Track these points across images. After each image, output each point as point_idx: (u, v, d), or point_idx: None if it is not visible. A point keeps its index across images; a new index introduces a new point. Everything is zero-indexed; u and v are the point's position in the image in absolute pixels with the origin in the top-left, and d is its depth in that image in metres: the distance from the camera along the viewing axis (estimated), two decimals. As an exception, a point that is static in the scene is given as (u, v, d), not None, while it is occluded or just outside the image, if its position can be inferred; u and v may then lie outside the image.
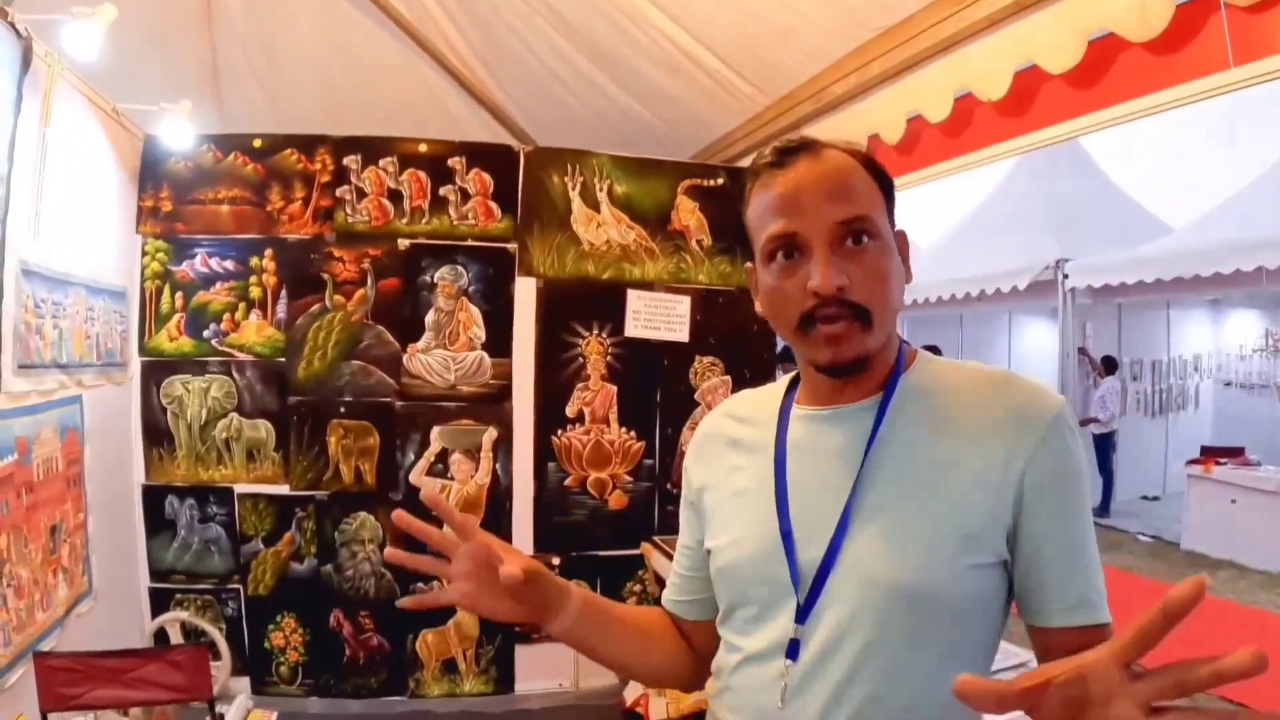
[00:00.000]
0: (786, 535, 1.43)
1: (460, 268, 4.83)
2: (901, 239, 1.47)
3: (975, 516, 1.34)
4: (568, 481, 4.98)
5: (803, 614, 1.40)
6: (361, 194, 4.77)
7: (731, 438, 1.64)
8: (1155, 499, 12.72)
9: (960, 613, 1.35)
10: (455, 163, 4.84)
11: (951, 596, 1.34)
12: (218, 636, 4.56)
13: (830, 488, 1.42)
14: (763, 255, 1.43)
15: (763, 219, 1.41)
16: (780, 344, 5.42)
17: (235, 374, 4.70)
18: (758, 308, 1.51)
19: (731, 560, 1.53)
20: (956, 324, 14.77)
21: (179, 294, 4.67)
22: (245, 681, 4.78)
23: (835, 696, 1.36)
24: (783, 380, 1.64)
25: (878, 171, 1.45)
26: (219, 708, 3.37)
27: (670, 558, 4.35)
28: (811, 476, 1.46)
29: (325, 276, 4.73)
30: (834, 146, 1.44)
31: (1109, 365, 12.22)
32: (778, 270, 1.40)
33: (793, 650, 1.40)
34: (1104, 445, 11.86)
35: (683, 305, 5.04)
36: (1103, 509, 11.70)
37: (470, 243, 4.86)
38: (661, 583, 4.78)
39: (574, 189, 4.93)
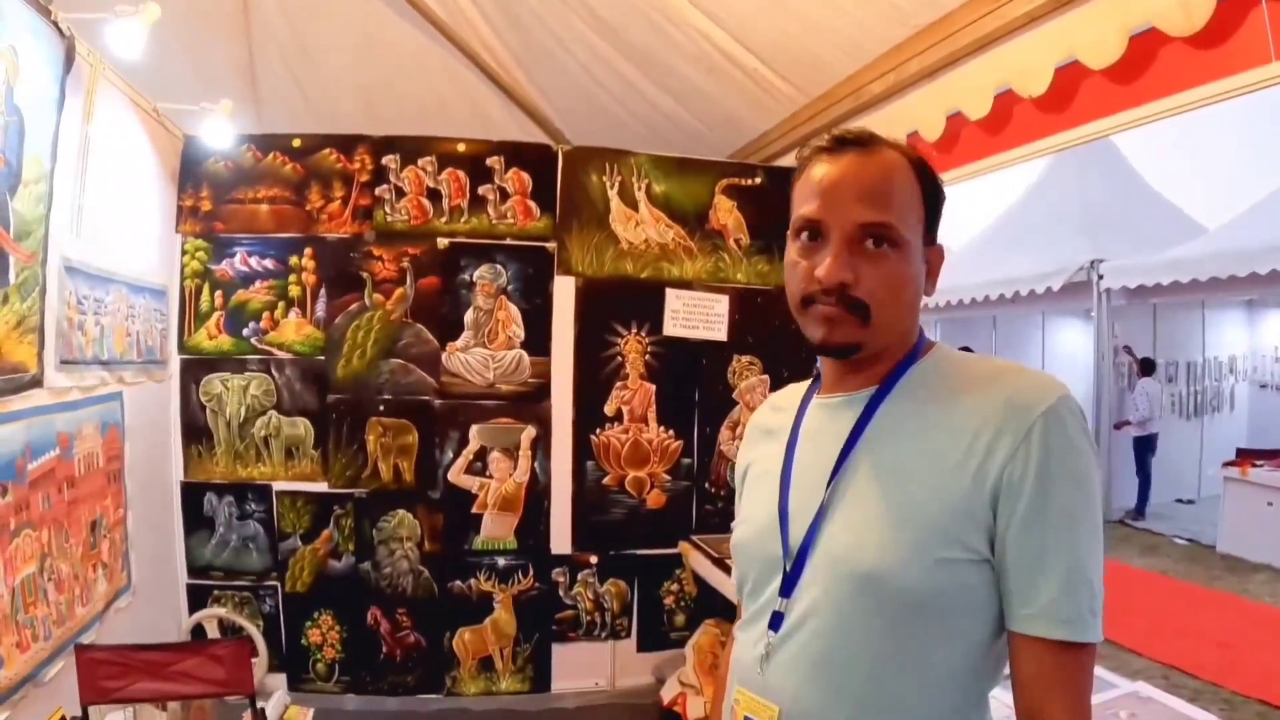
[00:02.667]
0: (783, 513, 1.52)
1: (499, 266, 4.84)
2: (935, 255, 1.53)
3: (950, 509, 1.34)
4: (606, 480, 4.97)
5: (787, 588, 1.46)
6: (400, 193, 4.78)
7: (766, 427, 1.74)
8: (1190, 502, 12.59)
9: (929, 607, 1.34)
10: (494, 162, 4.85)
11: (915, 589, 1.33)
12: (255, 633, 4.58)
13: (820, 470, 1.49)
14: (792, 231, 1.51)
15: (800, 197, 1.49)
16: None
17: (274, 372, 4.72)
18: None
19: (740, 536, 1.65)
20: (990, 326, 14.69)
21: (218, 292, 4.69)
22: (282, 678, 4.81)
23: (805, 672, 1.41)
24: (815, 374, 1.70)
25: (928, 180, 1.49)
26: (256, 704, 3.38)
27: (709, 558, 4.39)
28: (810, 459, 1.55)
29: (364, 275, 4.75)
30: (893, 147, 1.48)
31: (1145, 367, 12.13)
32: (799, 248, 1.48)
33: (775, 621, 1.47)
34: (1141, 447, 11.77)
35: (721, 304, 5.03)
36: (1138, 511, 11.62)
37: (509, 242, 4.87)
38: (699, 582, 4.79)
39: (612, 188, 4.93)
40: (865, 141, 1.47)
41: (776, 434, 1.66)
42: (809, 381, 1.70)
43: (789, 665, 1.43)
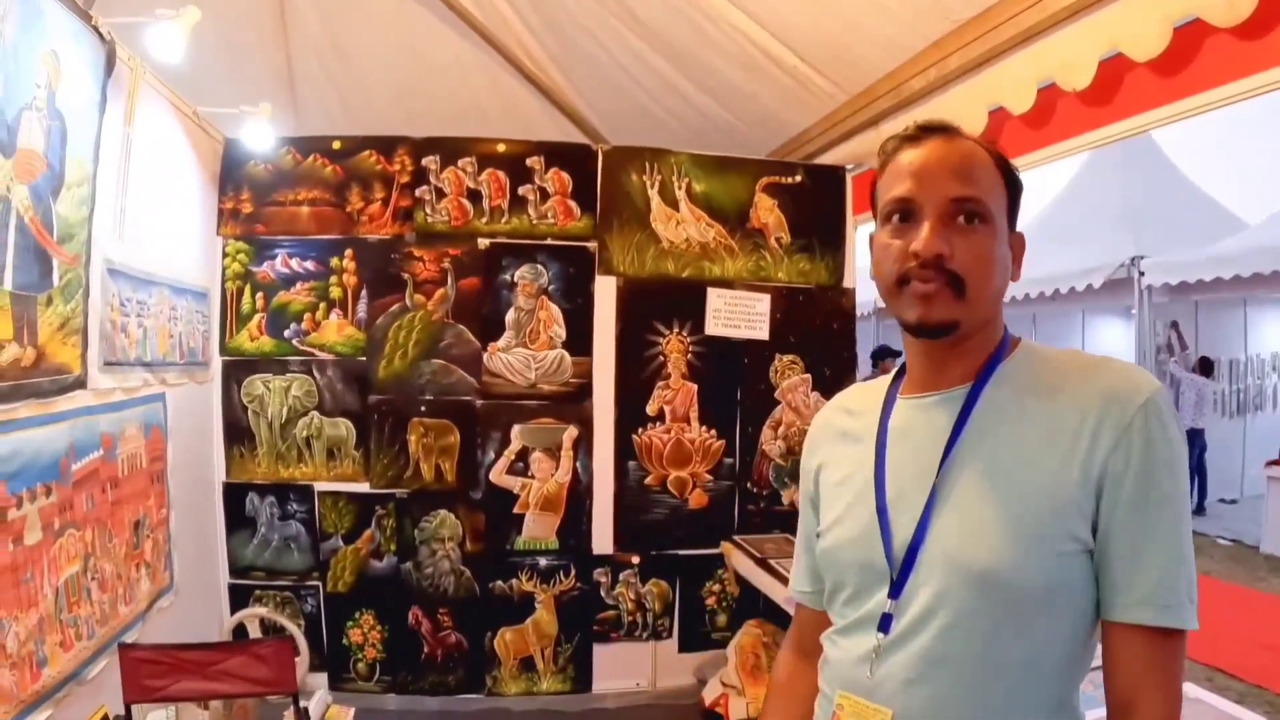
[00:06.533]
0: (882, 514, 1.52)
1: (540, 266, 4.83)
2: (1018, 241, 1.56)
3: (1059, 504, 1.36)
4: (648, 480, 4.95)
5: (896, 589, 1.47)
6: (441, 194, 4.78)
7: (840, 429, 1.73)
8: (1233, 502, 12.44)
9: (1045, 601, 1.36)
10: (534, 162, 4.85)
11: (1033, 584, 1.35)
12: (296, 632, 4.58)
13: (922, 470, 1.49)
14: (882, 216, 1.54)
15: (889, 184, 1.52)
16: (875, 343, 5.35)
17: (316, 373, 4.74)
18: (870, 273, 1.59)
19: (833, 542, 1.63)
20: (1030, 324, 14.57)
21: (260, 294, 4.72)
22: (323, 678, 4.82)
23: (919, 673, 1.41)
24: (892, 374, 1.71)
25: (1008, 171, 1.53)
26: (299, 703, 3.38)
27: (752, 558, 4.36)
28: (907, 459, 1.54)
29: (405, 276, 4.75)
30: (970, 138, 1.53)
31: (1204, 366, 12.05)
32: (891, 230, 1.51)
33: (885, 624, 1.47)
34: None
35: (762, 303, 5.00)
36: (1196, 509, 11.53)
37: (550, 242, 4.86)
38: (742, 583, 4.77)
39: (653, 187, 4.91)
40: (948, 129, 1.53)
41: (856, 436, 1.66)
42: (883, 383, 1.70)
43: (901, 667, 1.43)
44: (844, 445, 1.70)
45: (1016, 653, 1.36)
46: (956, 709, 1.38)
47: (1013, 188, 1.53)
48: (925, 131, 1.52)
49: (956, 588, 1.39)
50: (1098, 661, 1.42)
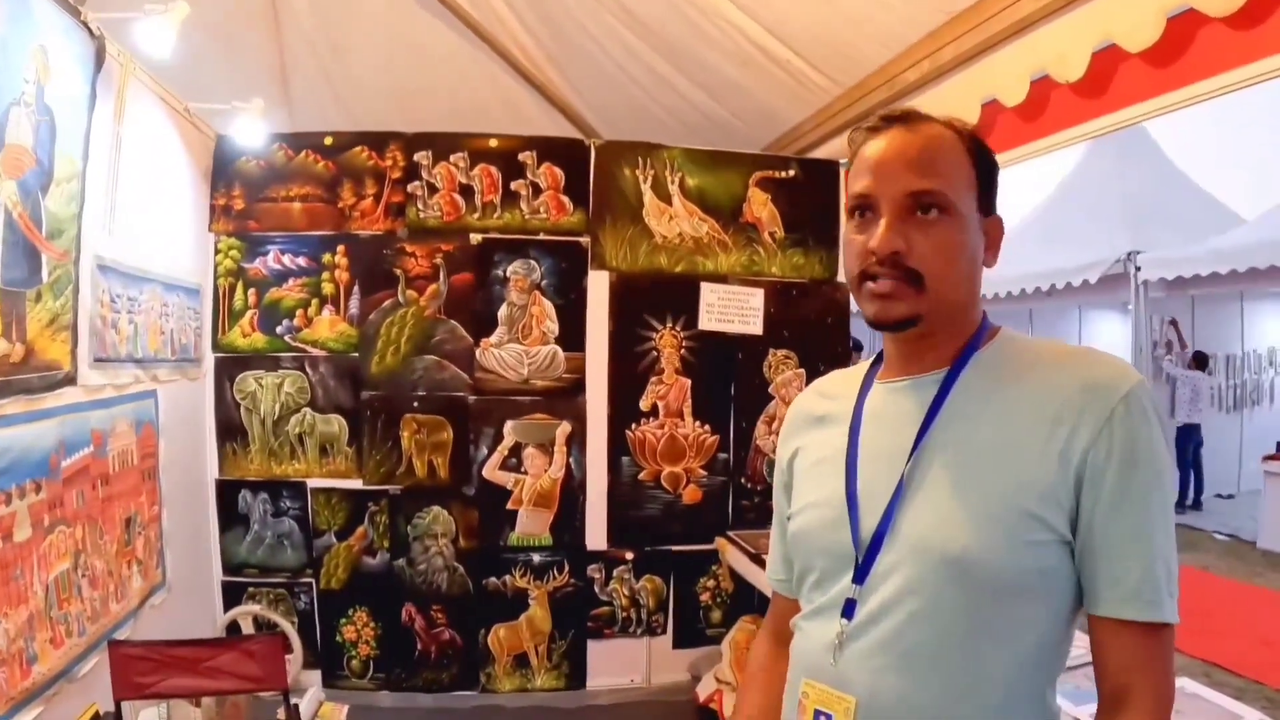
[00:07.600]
0: (852, 499, 1.50)
1: (533, 262, 4.83)
2: (994, 225, 1.53)
3: (1034, 492, 1.34)
4: (641, 476, 4.94)
5: (860, 575, 1.44)
6: (433, 189, 4.78)
7: (816, 414, 1.71)
8: (1230, 497, 12.43)
9: (1017, 590, 1.34)
10: (526, 157, 4.84)
11: (1005, 571, 1.33)
12: (290, 630, 4.58)
13: (892, 455, 1.47)
14: (847, 211, 1.53)
15: (853, 178, 1.51)
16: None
17: (308, 369, 4.74)
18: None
19: (803, 525, 1.61)
20: (1026, 320, 14.54)
21: (252, 290, 4.71)
22: (316, 675, 4.81)
23: (883, 661, 1.39)
24: (871, 358, 1.69)
25: (979, 152, 1.50)
26: (290, 700, 3.37)
27: (746, 554, 4.35)
28: (879, 444, 1.52)
29: (398, 272, 4.75)
30: (937, 121, 1.50)
31: (1199, 360, 12.02)
32: (854, 226, 1.50)
33: (849, 610, 1.45)
34: (1183, 439, 11.63)
35: (756, 298, 5.00)
36: (1193, 504, 11.52)
37: (542, 237, 4.86)
38: (736, 578, 4.76)
39: (646, 182, 4.91)
40: (910, 118, 1.50)
41: (831, 420, 1.64)
42: (862, 367, 1.68)
43: (866, 654, 1.41)
44: (818, 429, 1.68)
45: (985, 643, 1.34)
46: (922, 698, 1.35)
47: (984, 170, 1.50)
48: (887, 121, 1.50)
49: (923, 574, 1.37)
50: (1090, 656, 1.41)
